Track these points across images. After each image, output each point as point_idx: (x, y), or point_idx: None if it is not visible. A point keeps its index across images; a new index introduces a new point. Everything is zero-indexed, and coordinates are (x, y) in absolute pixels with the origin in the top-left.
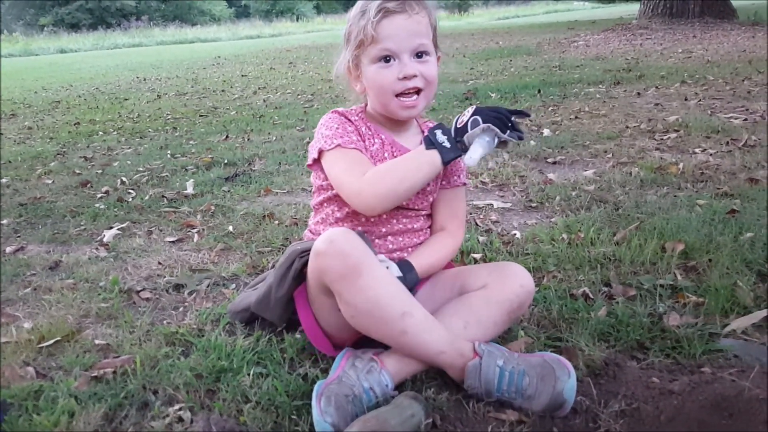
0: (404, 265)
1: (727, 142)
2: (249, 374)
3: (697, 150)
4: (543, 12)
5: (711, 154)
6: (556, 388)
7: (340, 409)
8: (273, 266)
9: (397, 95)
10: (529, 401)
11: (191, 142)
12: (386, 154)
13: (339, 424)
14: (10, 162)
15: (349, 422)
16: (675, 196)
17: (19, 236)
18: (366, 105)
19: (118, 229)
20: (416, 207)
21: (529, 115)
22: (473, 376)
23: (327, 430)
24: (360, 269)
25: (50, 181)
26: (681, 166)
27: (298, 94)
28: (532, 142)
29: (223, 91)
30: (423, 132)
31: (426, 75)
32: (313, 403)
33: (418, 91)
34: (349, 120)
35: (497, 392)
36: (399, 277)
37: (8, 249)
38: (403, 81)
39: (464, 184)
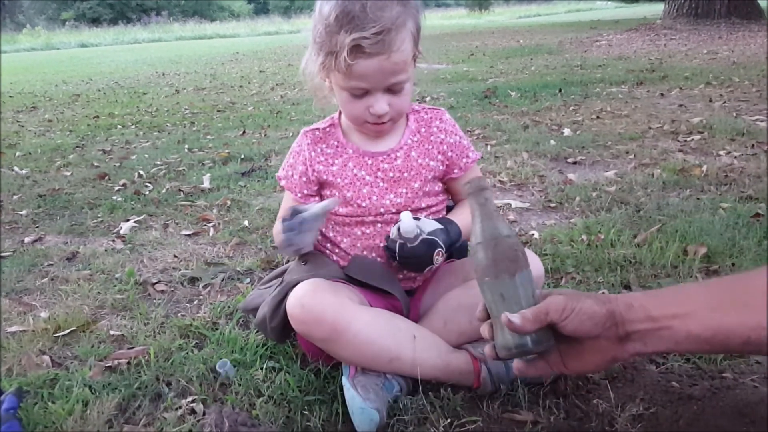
0: (444, 221)
1: (753, 145)
2: (262, 368)
3: (721, 152)
4: (565, 11)
5: (735, 157)
6: None
7: (380, 396)
8: (287, 261)
9: (368, 122)
10: (538, 377)
11: (209, 136)
12: (354, 169)
13: (381, 409)
14: (30, 154)
15: (386, 407)
16: (698, 198)
17: (37, 227)
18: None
19: (134, 222)
20: (424, 206)
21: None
22: (487, 383)
23: (374, 417)
24: (338, 330)
25: (69, 173)
26: (704, 168)
27: None
28: (551, 142)
29: (241, 86)
30: (408, 121)
31: (398, 108)
32: (350, 394)
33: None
34: (311, 147)
35: (507, 381)
36: (440, 230)
37: (27, 239)
38: (373, 115)
39: (476, 159)
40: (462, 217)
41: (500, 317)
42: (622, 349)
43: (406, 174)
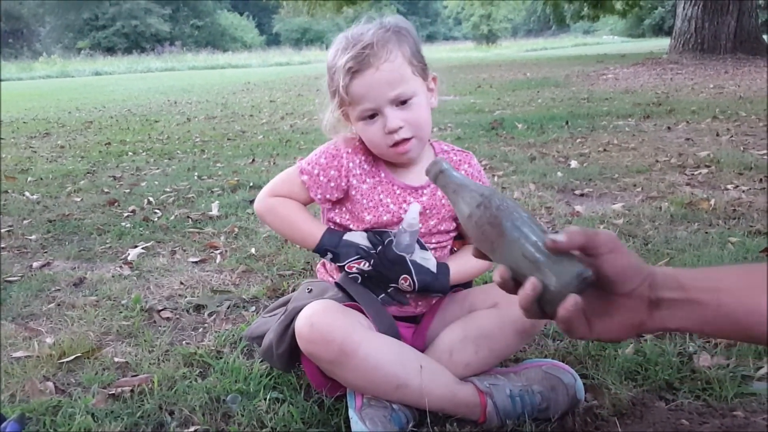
0: (441, 267)
1: (761, 180)
2: (265, 399)
3: (729, 186)
4: (571, 45)
5: (743, 191)
6: (569, 394)
7: (387, 429)
8: (293, 290)
9: (390, 146)
10: (546, 412)
11: (218, 164)
12: (381, 194)
13: None
14: (41, 179)
15: None
16: (706, 232)
17: (46, 252)
18: None
19: (142, 248)
20: (434, 241)
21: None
22: (493, 417)
23: None
24: (347, 352)
25: (79, 199)
26: (712, 202)
27: None
28: (558, 174)
29: (251, 115)
30: (435, 151)
31: (412, 122)
32: (359, 428)
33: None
34: (350, 156)
35: (514, 416)
36: (430, 277)
37: (35, 264)
38: (391, 135)
39: None
40: (460, 261)
41: (543, 248)
42: (650, 316)
43: (427, 211)
